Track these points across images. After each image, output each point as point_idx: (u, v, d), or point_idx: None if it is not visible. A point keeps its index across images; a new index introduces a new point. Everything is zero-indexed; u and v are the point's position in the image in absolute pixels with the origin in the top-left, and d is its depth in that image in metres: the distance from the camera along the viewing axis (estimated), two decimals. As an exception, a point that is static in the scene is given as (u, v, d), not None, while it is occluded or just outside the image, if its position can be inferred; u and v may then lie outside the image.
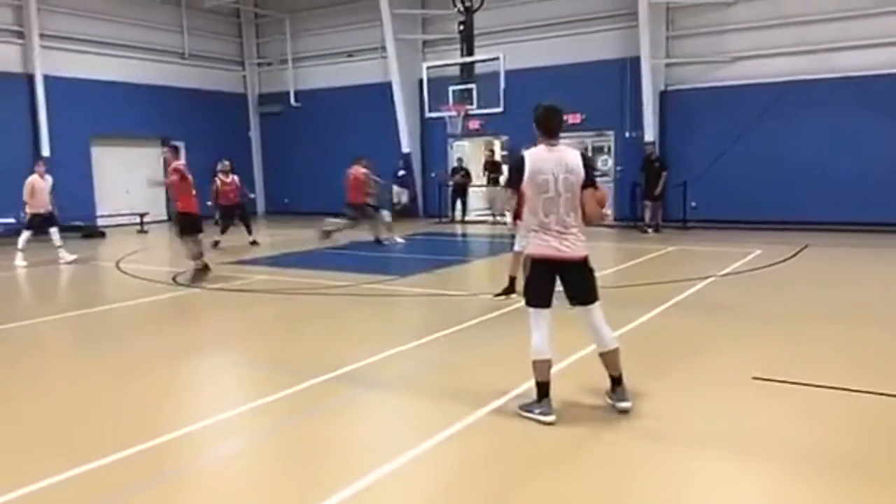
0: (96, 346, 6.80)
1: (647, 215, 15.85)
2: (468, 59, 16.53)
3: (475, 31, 16.80)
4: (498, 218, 18.80)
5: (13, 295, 10.03)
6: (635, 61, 16.62)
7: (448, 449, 4.08)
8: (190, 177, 10.04)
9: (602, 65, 17.28)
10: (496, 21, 17.93)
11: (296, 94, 22.46)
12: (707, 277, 9.34)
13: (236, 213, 14.42)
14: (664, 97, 16.94)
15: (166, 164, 10.79)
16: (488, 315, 7.33)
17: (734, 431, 4.24)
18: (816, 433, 4.17)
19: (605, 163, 19.67)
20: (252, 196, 14.50)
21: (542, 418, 4.32)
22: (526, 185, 4.38)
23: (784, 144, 15.45)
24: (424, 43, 20.33)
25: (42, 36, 17.75)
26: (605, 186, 18.94)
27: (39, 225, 12.36)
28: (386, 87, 19.97)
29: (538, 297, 4.48)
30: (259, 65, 23.56)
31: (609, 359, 4.56)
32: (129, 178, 19.49)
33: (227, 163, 14.51)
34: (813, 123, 15.16)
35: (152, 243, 15.77)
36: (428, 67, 17.56)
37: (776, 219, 15.15)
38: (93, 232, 17.09)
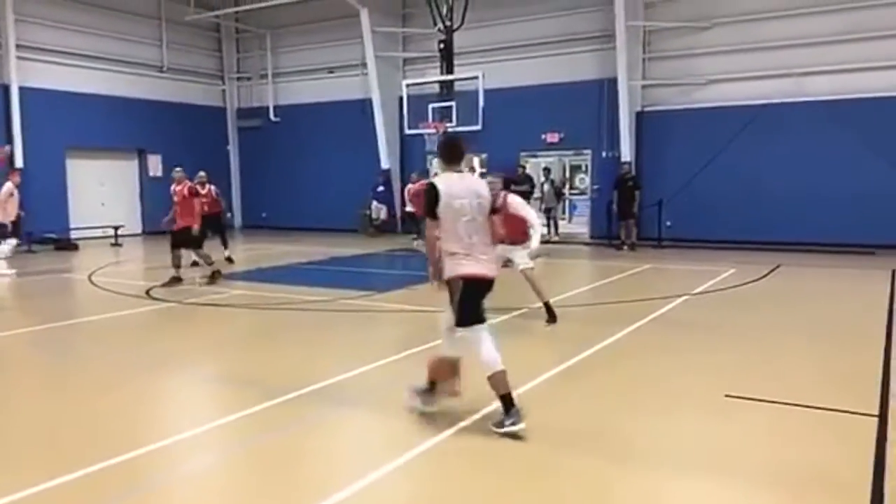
0: (67, 360, 6.69)
1: (623, 234, 16.02)
2: (448, 77, 16.66)
3: (455, 50, 16.96)
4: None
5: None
6: (613, 82, 16.86)
7: (421, 466, 4.07)
8: (194, 198, 11.19)
9: (580, 85, 17.50)
10: (476, 40, 18.10)
11: (275, 108, 22.44)
12: (681, 296, 9.44)
13: (212, 225, 14.22)
14: (640, 117, 17.19)
15: (178, 182, 11.50)
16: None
17: (707, 449, 4.28)
18: (789, 450, 4.22)
19: (583, 181, 19.90)
20: (229, 214, 14.06)
21: (515, 429, 4.33)
22: (443, 210, 4.49)
23: (757, 166, 15.73)
24: (405, 60, 20.46)
25: (18, 47, 17.57)
26: (584, 204, 19.17)
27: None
28: (366, 104, 20.03)
29: (476, 315, 4.63)
30: (239, 79, 23.52)
31: (497, 379, 4.49)
32: (103, 190, 19.29)
33: (202, 174, 14.34)
34: (786, 146, 15.46)
35: (126, 256, 15.58)
36: (408, 85, 17.66)
37: (749, 238, 15.38)
38: (66, 244, 16.86)
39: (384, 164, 20.05)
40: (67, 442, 4.46)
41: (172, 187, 11.59)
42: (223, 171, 22.31)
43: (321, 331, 7.82)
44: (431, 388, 4.78)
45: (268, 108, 22.51)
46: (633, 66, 16.81)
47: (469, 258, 4.55)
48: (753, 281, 10.78)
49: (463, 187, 4.55)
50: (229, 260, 13.58)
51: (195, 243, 11.12)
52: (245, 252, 14.30)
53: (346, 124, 20.55)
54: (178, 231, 11.08)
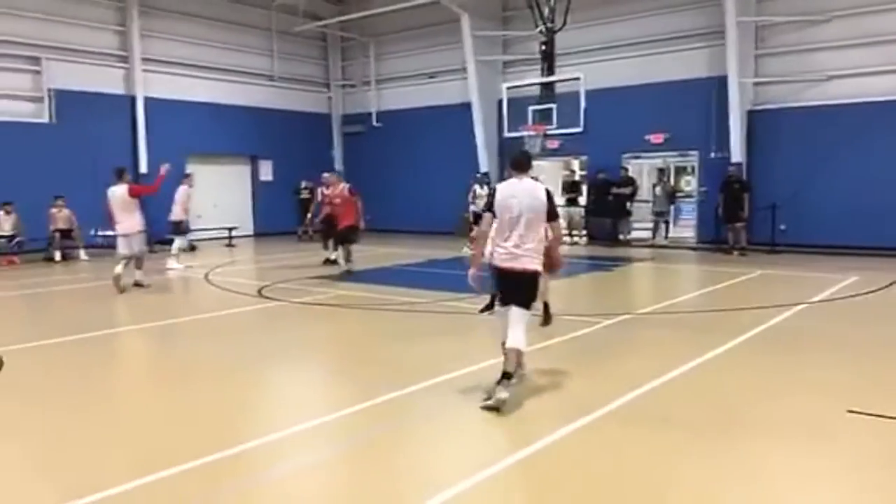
0: (186, 354, 7.10)
1: (731, 238, 15.36)
2: (548, 79, 16.53)
3: (556, 51, 16.79)
4: (574, 238, 18.66)
5: (104, 303, 10.60)
6: (721, 80, 16.19)
7: (537, 462, 4.05)
8: (354, 197, 12.58)
9: (687, 84, 16.92)
10: (577, 41, 17.86)
11: (377, 114, 22.99)
12: (797, 304, 8.95)
13: (331, 226, 14.39)
14: (752, 117, 16.41)
15: (327, 185, 13.14)
16: (569, 335, 7.24)
17: (831, 467, 4.05)
18: (919, 472, 3.93)
19: (689, 183, 19.23)
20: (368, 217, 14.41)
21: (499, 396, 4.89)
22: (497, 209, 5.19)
23: (878, 166, 14.68)
24: (505, 63, 20.45)
25: (143, 60, 18.87)
26: (690, 207, 18.52)
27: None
28: (466, 108, 20.17)
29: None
30: (343, 86, 24.26)
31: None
32: (217, 193, 20.38)
33: (326, 175, 14.63)
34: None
35: (239, 256, 16.38)
36: (508, 87, 17.64)
37: (873, 244, 14.37)
38: (190, 246, 17.92)
39: (483, 168, 20.12)
40: (180, 433, 4.73)
41: (323, 190, 12.88)
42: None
43: (422, 331, 7.94)
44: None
45: (371, 113, 23.08)
46: (744, 63, 16.09)
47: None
48: (878, 290, 10.08)
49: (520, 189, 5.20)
50: (333, 262, 13.90)
51: (354, 239, 12.49)
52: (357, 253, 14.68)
53: (446, 128, 20.77)
54: (342, 229, 12.44)
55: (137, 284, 11.02)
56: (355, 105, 23.85)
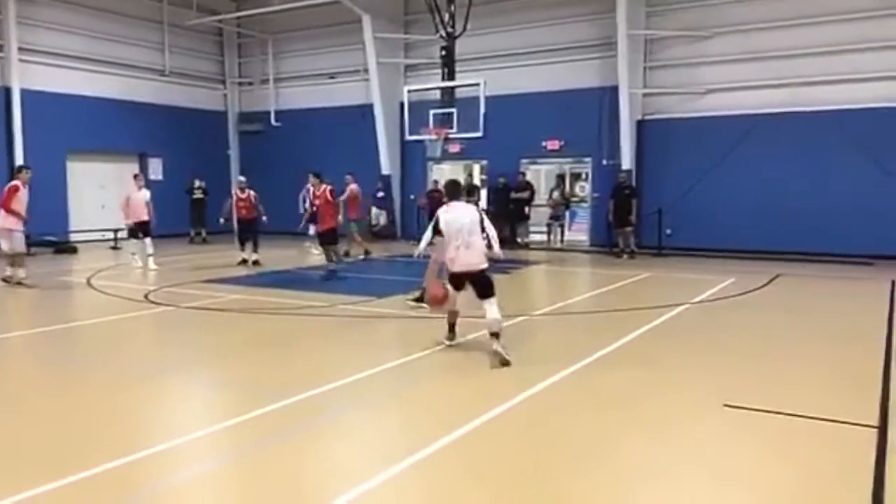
0: (66, 364, 6.67)
1: (620, 242, 16.02)
2: (449, 84, 16.68)
3: (457, 57, 16.98)
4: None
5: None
6: (613, 90, 16.88)
7: (416, 473, 4.04)
8: (334, 200, 12.70)
9: (581, 93, 17.52)
10: (477, 47, 18.13)
11: (276, 113, 22.46)
12: (680, 304, 9.43)
13: (249, 229, 14.24)
14: (641, 126, 17.20)
15: (316, 187, 12.79)
16: (466, 336, 7.31)
17: (705, 458, 4.27)
18: (787, 462, 4.20)
19: (583, 189, 19.91)
20: (265, 217, 14.40)
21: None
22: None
23: (758, 175, 15.73)
24: (406, 67, 20.49)
25: (21, 49, 17.59)
26: (583, 211, 19.15)
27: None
28: (367, 109, 20.05)
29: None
30: (240, 84, 23.55)
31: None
32: (103, 193, 19.28)
33: (242, 179, 14.65)
34: (785, 155, 15.47)
35: (124, 259, 15.54)
36: (409, 91, 17.66)
37: (749, 248, 15.37)
38: (66, 247, 16.85)
39: (384, 170, 20.06)
40: (67, 445, 4.44)
41: (312, 191, 12.95)
42: (223, 174, 22.32)
43: (320, 337, 7.81)
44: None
45: (269, 112, 22.52)
46: (634, 75, 16.84)
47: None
48: (754, 290, 10.78)
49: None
50: (256, 263, 13.77)
51: (335, 241, 12.56)
52: (246, 256, 14.27)
53: (347, 130, 20.57)
54: (323, 232, 12.50)
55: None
56: (253, 103, 23.21)
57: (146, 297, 10.05)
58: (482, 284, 6.68)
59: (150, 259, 13.40)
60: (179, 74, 21.64)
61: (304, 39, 21.87)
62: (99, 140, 19.16)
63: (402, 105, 18.17)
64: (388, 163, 20.10)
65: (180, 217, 19.76)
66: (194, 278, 12.05)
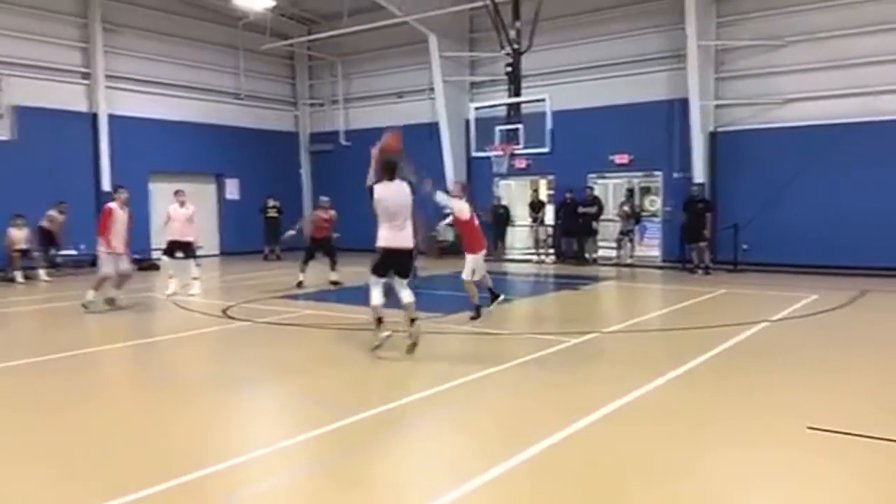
0: (149, 377, 6.95)
1: (694, 257, 15.61)
2: (515, 100, 16.70)
3: (523, 73, 17.00)
4: (542, 257, 18.82)
5: (68, 325, 10.35)
6: (683, 102, 16.56)
7: (488, 492, 4.01)
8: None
9: (650, 105, 17.26)
10: (544, 63, 18.12)
11: (345, 133, 22.98)
12: (759, 322, 9.11)
13: (325, 248, 14.29)
14: (714, 138, 16.79)
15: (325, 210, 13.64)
16: (534, 354, 7.26)
17: (787, 482, 4.10)
18: (873, 487, 4.00)
19: (653, 203, 19.54)
20: (336, 234, 14.68)
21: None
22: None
23: (838, 187, 15.11)
24: (472, 84, 20.65)
25: (107, 77, 18.62)
26: (654, 226, 18.73)
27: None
28: (433, 127, 20.28)
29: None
30: (311, 105, 24.23)
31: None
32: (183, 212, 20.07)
33: (326, 199, 14.77)
34: (867, 166, 14.80)
35: (204, 276, 16.09)
36: (475, 108, 17.79)
37: (831, 263, 14.74)
38: (148, 264, 17.62)
39: (451, 187, 20.18)
40: (144, 457, 4.61)
41: (319, 213, 13.38)
42: (295, 193, 22.97)
43: (390, 351, 7.89)
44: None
45: (338, 132, 23.07)
46: (705, 86, 16.48)
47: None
48: (838, 307, 10.32)
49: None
50: (335, 283, 13.64)
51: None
52: (319, 273, 14.56)
53: (414, 147, 20.70)
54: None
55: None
56: (323, 124, 23.82)
57: (224, 312, 10.38)
58: (406, 265, 7.41)
59: (196, 283, 12.58)
60: (254, 97, 22.45)
61: (372, 60, 22.35)
62: (178, 162, 20.01)
63: (467, 122, 18.31)
64: (454, 180, 20.20)
65: (255, 235, 20.43)
66: (269, 294, 12.38)
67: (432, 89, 20.31)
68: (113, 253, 10.69)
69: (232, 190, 21.75)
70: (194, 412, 5.62)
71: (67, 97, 17.99)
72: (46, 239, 16.00)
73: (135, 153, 18.65)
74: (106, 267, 10.74)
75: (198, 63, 20.95)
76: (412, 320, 7.17)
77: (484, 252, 9.99)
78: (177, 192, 13.01)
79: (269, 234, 20.19)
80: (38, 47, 17.47)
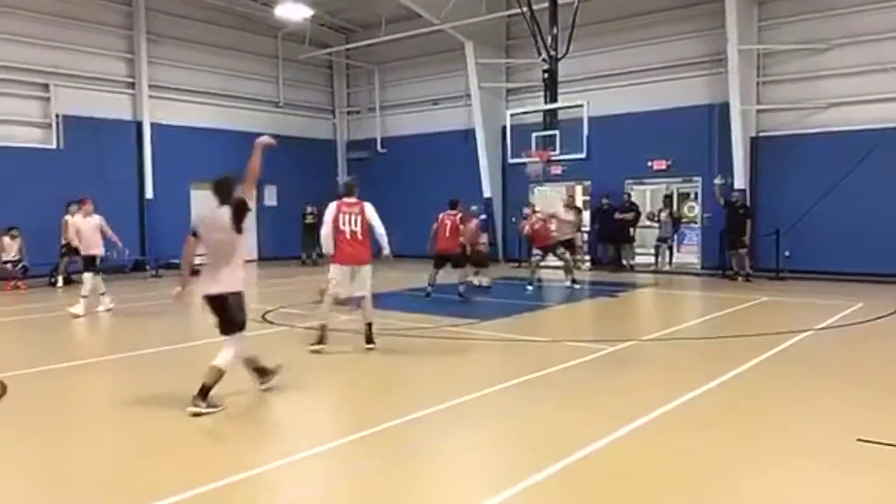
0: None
1: (735, 264, 15.32)
2: (551, 106, 16.63)
3: (559, 79, 16.93)
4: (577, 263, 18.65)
5: (110, 329, 10.59)
6: (724, 107, 16.31)
7: (526, 500, 3.97)
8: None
9: (689, 111, 17.04)
10: (581, 68, 18.03)
11: (382, 140, 23.16)
12: (803, 331, 8.90)
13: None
14: (755, 143, 16.49)
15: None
16: (571, 362, 7.20)
17: (837, 495, 3.99)
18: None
19: (692, 209, 19.26)
20: None
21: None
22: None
23: (883, 193, 14.70)
24: (508, 91, 20.64)
25: (150, 86, 19.07)
26: (693, 232, 18.42)
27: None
28: (469, 134, 20.32)
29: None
30: (349, 113, 24.48)
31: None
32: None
33: (474, 208, 14.45)
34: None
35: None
36: (511, 114, 17.77)
37: (875, 271, 14.35)
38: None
39: (486, 194, 20.19)
40: (182, 459, 4.69)
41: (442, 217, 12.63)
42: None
43: (424, 358, 7.90)
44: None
45: (375, 139, 23.26)
46: (746, 91, 16.20)
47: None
48: (884, 316, 10.03)
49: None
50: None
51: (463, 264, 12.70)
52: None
53: (450, 154, 20.90)
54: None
55: None
56: (360, 131, 24.04)
57: (263, 317, 10.51)
58: (222, 316, 5.73)
59: (104, 298, 11.35)
60: (292, 106, 22.76)
61: (409, 68, 22.50)
62: (219, 169, 20.22)
63: (503, 129, 18.29)
64: (489, 186, 20.23)
65: (293, 241, 20.70)
66: (308, 299, 12.49)
67: (468, 96, 20.35)
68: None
69: (270, 196, 22.06)
70: (242, 412, 5.70)
71: (112, 106, 18.46)
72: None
73: (177, 161, 19.02)
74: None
75: (238, 72, 21.32)
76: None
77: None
78: (80, 201, 11.73)
79: (306, 240, 20.42)
80: (84, 58, 17.96)
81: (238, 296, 5.72)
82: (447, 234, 12.56)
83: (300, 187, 21.61)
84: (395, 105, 23.11)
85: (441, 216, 12.84)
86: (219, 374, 5.55)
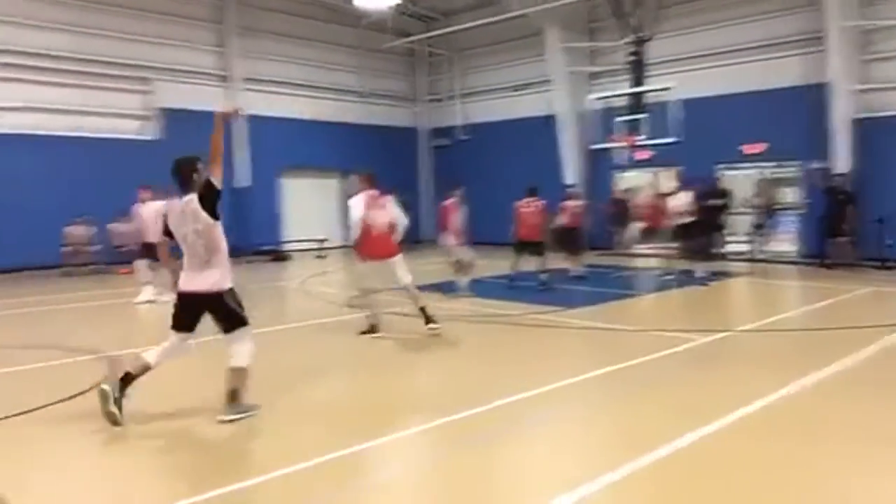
0: (288, 360, 7.32)
1: (834, 252, 14.56)
2: (637, 90, 16.21)
3: (645, 61, 16.47)
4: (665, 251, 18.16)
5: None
6: (821, 88, 15.46)
7: (611, 494, 3.90)
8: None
9: (783, 92, 16.25)
10: (668, 50, 17.48)
11: (463, 127, 23.20)
12: (912, 323, 8.39)
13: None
14: (859, 125, 15.57)
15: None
16: (660, 352, 7.04)
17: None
18: None
19: (788, 195, 18.41)
20: None
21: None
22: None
23: None
24: (591, 74, 20.24)
25: (243, 79, 19.75)
26: (790, 220, 17.60)
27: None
28: (550, 119, 20.07)
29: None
30: (430, 101, 24.62)
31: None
32: (309, 206, 21.09)
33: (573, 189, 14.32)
34: None
35: (330, 267, 16.79)
36: (595, 98, 17.44)
37: None
38: (280, 255, 18.66)
39: (568, 180, 19.92)
40: (303, 431, 4.86)
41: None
42: (413, 188, 23.48)
43: (511, 344, 7.91)
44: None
45: (457, 127, 23.32)
46: (848, 70, 15.29)
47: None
48: None
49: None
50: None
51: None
52: (437, 265, 14.73)
53: (531, 141, 20.72)
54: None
55: None
56: (442, 119, 24.15)
57: (348, 303, 10.72)
58: (216, 315, 5.12)
59: (148, 288, 11.05)
60: (374, 95, 23.10)
61: (489, 55, 22.41)
62: (306, 158, 20.93)
63: (587, 114, 18.00)
64: (572, 172, 19.95)
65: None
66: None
67: (550, 81, 20.09)
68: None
69: (354, 185, 22.46)
70: (350, 391, 5.87)
71: (207, 98, 19.22)
72: None
73: (266, 151, 19.67)
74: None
75: (323, 63, 21.79)
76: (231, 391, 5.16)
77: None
78: (145, 188, 11.30)
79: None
80: (181, 52, 18.80)
81: (231, 291, 5.14)
82: (528, 221, 12.47)
83: (382, 176, 21.82)
84: (475, 92, 23.08)
85: (520, 203, 12.75)
86: (243, 374, 5.12)
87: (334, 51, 22.11)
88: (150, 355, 5.12)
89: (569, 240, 13.68)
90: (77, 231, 15.78)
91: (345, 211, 21.96)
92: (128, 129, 17.91)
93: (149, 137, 18.05)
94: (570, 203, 14.21)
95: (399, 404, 5.86)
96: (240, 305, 5.19)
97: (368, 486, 4.06)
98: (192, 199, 5.01)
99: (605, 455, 4.48)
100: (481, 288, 11.85)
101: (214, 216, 5.01)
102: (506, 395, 5.53)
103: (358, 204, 7.99)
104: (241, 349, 5.09)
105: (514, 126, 21.40)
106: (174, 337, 5.16)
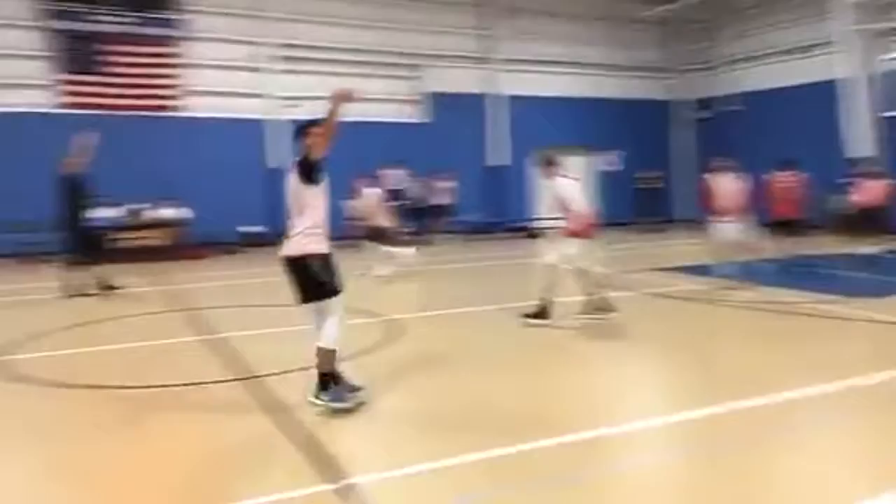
0: (513, 344, 7.65)
1: None
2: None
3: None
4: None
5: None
6: None
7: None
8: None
9: None
10: None
11: (727, 97, 21.79)
12: None
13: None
14: None
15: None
16: None
17: None
18: None
19: None
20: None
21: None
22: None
23: None
24: (879, 32, 17.76)
25: (503, 61, 20.54)
26: None
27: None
28: (827, 86, 18.07)
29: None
30: (685, 71, 23.44)
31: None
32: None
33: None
34: None
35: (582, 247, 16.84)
36: (887, 59, 15.30)
37: None
38: (534, 233, 19.29)
39: (850, 154, 17.84)
40: (525, 415, 4.97)
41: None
42: (663, 163, 22.69)
43: (778, 334, 7.48)
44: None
45: (719, 97, 21.98)
46: None
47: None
48: None
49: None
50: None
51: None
52: (691, 246, 14.09)
53: (807, 111, 18.86)
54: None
55: None
56: (702, 89, 22.92)
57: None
58: (299, 283, 4.99)
59: (377, 265, 11.65)
60: (625, 68, 22.60)
61: (753, 18, 20.82)
62: (556, 136, 21.18)
63: (877, 77, 15.91)
64: (856, 144, 17.82)
65: (626, 206, 20.79)
66: (649, 265, 12.45)
67: (831, 43, 18.04)
68: None
69: (609, 161, 22.29)
70: (581, 375, 6.10)
71: (468, 82, 20.38)
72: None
73: (527, 130, 20.21)
74: None
75: (575, 39, 21.77)
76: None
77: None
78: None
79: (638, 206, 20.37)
80: (445, 38, 20.07)
81: (322, 257, 4.90)
82: (786, 196, 11.50)
83: (633, 152, 21.50)
84: (737, 59, 21.57)
85: (776, 177, 11.75)
86: (332, 355, 4.89)
87: (587, 25, 21.97)
88: (330, 339, 4.94)
89: (867, 221, 12.33)
90: (359, 204, 17.66)
91: (598, 187, 21.92)
92: (401, 114, 19.56)
93: (418, 121, 19.58)
94: (870, 181, 12.75)
95: (663, 388, 5.85)
96: (331, 274, 4.91)
97: (628, 469, 4.14)
98: (296, 161, 5.06)
99: (864, 480, 3.90)
100: (753, 273, 11.02)
101: (310, 180, 4.94)
102: (780, 390, 5.17)
103: (572, 186, 8.03)
104: (328, 327, 4.88)
105: (785, 95, 19.63)
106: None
